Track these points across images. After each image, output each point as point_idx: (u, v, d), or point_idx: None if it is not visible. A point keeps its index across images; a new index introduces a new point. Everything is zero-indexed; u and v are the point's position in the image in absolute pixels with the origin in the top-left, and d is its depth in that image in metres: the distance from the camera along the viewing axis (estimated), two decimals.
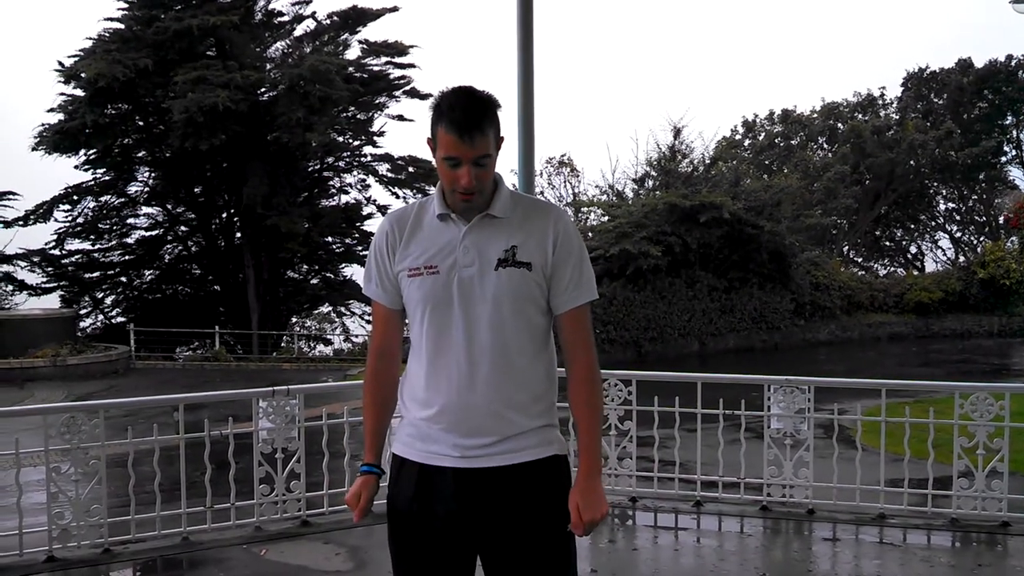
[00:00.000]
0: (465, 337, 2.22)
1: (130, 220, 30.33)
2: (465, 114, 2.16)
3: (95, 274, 29.94)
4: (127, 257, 30.34)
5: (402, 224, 2.34)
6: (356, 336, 31.05)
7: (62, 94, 26.74)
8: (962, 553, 5.05)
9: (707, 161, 25.71)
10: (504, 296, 2.22)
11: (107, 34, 26.93)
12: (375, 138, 30.20)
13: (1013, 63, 34.30)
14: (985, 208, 35.39)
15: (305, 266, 32.02)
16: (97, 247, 29.79)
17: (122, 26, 27.02)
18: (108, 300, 30.54)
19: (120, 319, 29.45)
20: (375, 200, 31.05)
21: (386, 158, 29.97)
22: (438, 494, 2.25)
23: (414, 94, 29.68)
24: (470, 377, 2.22)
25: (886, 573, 4.64)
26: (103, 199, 29.54)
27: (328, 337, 32.28)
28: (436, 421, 2.25)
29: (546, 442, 2.29)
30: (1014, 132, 35.33)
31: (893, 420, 5.45)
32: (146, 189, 29.85)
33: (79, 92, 26.37)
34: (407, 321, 2.38)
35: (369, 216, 31.14)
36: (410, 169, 29.54)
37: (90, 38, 26.99)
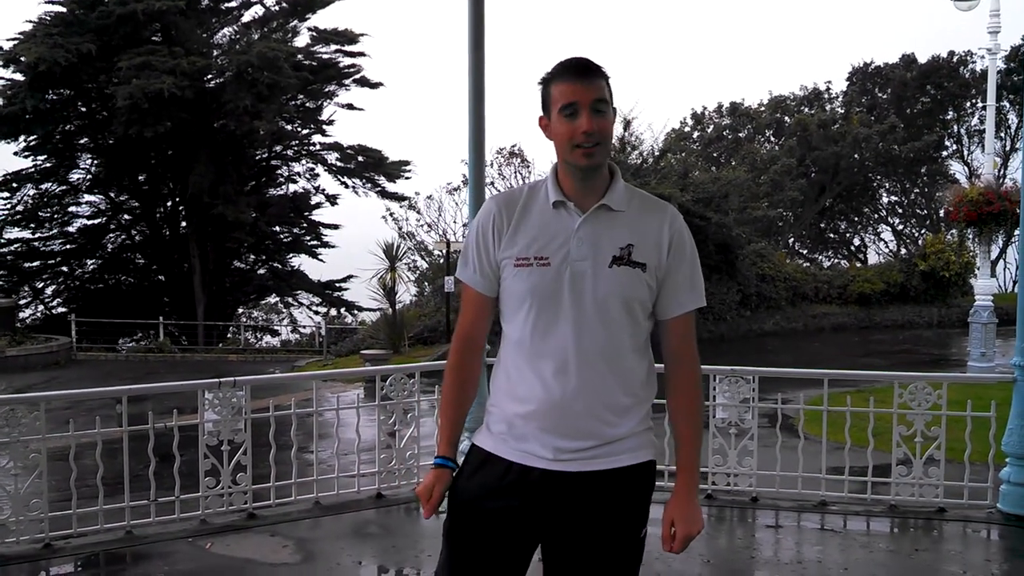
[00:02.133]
0: (574, 334, 2.13)
1: (72, 208, 29.80)
2: (579, 62, 2.15)
3: (35, 263, 29.37)
4: (69, 246, 29.80)
5: (511, 207, 2.22)
6: (304, 327, 30.81)
7: (1, 78, 26.16)
8: (900, 538, 5.17)
9: (656, 153, 25.89)
10: (616, 295, 2.13)
11: (48, 18, 26.38)
12: (324, 127, 30.01)
13: (955, 59, 34.97)
14: (926, 201, 36.07)
15: (252, 256, 31.68)
16: (37, 236, 29.25)
17: (64, 9, 26.48)
18: (49, 290, 29.99)
19: (61, 309, 28.96)
20: (324, 189, 30.90)
21: (335, 147, 29.75)
22: (522, 493, 2.15)
23: (364, 83, 29.51)
24: (576, 376, 2.13)
25: (827, 559, 4.73)
26: (44, 186, 28.98)
27: (275, 328, 31.98)
28: (532, 419, 2.15)
29: (643, 446, 2.22)
30: (955, 127, 36.03)
31: (835, 409, 5.56)
32: (88, 177, 29.33)
33: (19, 77, 25.84)
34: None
35: (318, 205, 30.96)
36: (359, 158, 29.34)
37: (30, 21, 26.49)
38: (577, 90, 2.11)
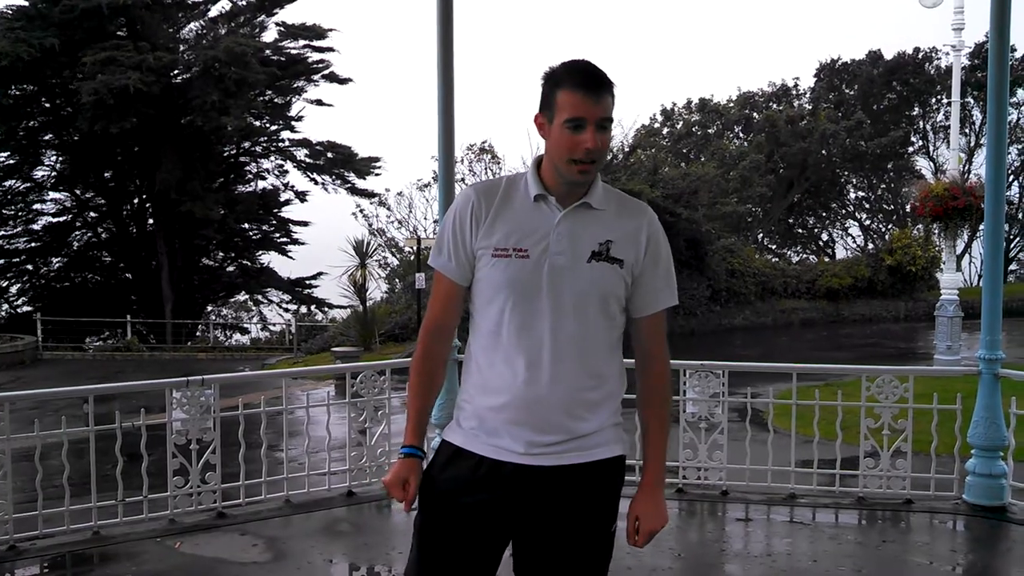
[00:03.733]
0: (551, 328, 2.11)
1: (36, 206, 29.45)
2: (592, 75, 2.09)
3: None
4: (33, 244, 29.44)
5: (490, 197, 2.19)
6: (274, 325, 30.62)
7: None
8: (868, 530, 5.22)
9: (626, 149, 25.97)
10: (593, 290, 2.13)
11: (10, 12, 25.99)
12: (293, 123, 29.78)
13: (920, 56, 35.39)
14: (893, 197, 36.50)
15: (221, 253, 31.45)
16: (1, 234, 28.81)
17: (26, 3, 26.09)
18: (14, 289, 29.62)
19: (26, 308, 28.59)
20: (293, 186, 30.70)
21: (304, 143, 29.57)
22: (494, 487, 2.15)
23: (333, 78, 29.34)
24: (550, 370, 2.12)
25: (796, 551, 4.77)
26: (7, 184, 28.58)
27: (245, 326, 31.77)
28: (504, 412, 2.14)
29: (613, 441, 2.21)
30: (921, 123, 36.49)
31: (803, 403, 5.60)
32: (53, 174, 29.00)
33: None
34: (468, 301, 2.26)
35: (287, 202, 30.78)
36: (329, 155, 29.18)
37: None
38: (587, 105, 2.07)
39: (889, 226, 35.48)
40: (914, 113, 36.30)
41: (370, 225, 28.50)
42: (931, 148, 36.39)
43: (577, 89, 2.07)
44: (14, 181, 28.62)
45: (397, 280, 24.63)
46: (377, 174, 29.41)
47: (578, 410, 2.15)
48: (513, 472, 2.14)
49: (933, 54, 34.84)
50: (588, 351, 2.16)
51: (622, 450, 2.24)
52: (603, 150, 2.11)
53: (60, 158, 28.75)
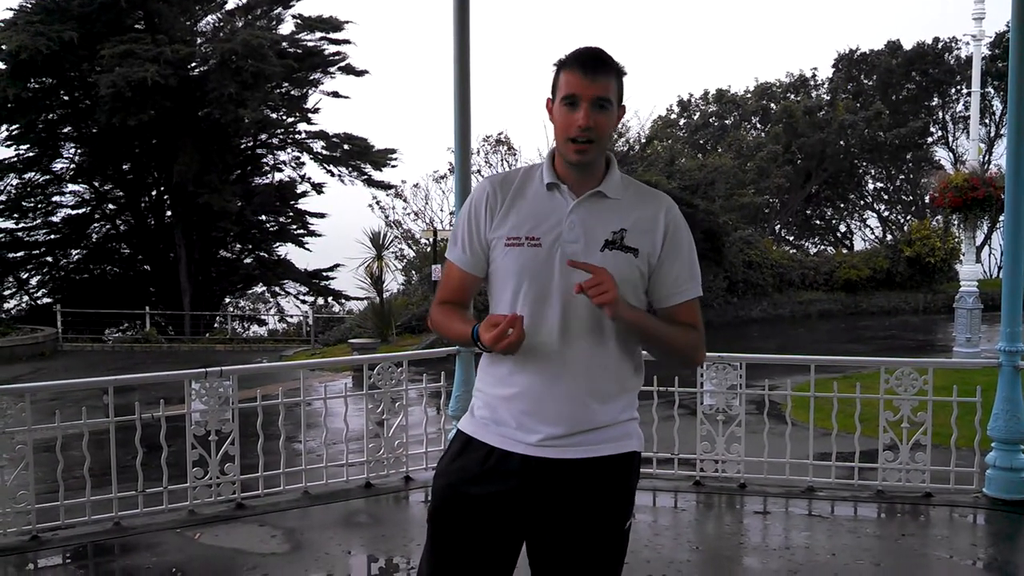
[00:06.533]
0: (561, 317, 2.10)
1: (56, 198, 29.65)
2: (590, 55, 2.11)
3: (19, 254, 29.19)
4: (53, 236, 29.64)
5: (505, 187, 2.20)
6: (291, 316, 30.73)
7: None
8: (887, 523, 5.20)
9: (643, 140, 25.89)
10: None
11: (29, 5, 26.11)
12: (309, 115, 29.86)
13: (940, 46, 35.11)
14: (912, 187, 36.27)
15: (238, 245, 31.58)
16: (21, 226, 29.05)
17: None
18: (33, 281, 29.84)
19: (46, 300, 28.80)
20: (310, 178, 30.79)
21: (321, 135, 29.63)
22: (502, 479, 2.13)
23: (349, 70, 29.40)
24: (561, 360, 2.10)
25: (814, 544, 4.75)
26: (27, 176, 28.78)
27: (262, 318, 31.89)
28: (515, 402, 2.14)
29: (626, 436, 2.19)
30: (940, 113, 36.24)
31: (821, 395, 5.57)
32: (72, 166, 29.17)
33: (0, 65, 25.54)
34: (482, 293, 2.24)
35: (304, 194, 30.87)
36: (345, 147, 29.23)
37: (11, 9, 26.24)
38: (581, 83, 2.07)
39: (908, 217, 35.28)
40: (933, 103, 36.05)
41: (386, 217, 28.55)
42: (950, 138, 36.16)
43: (575, 68, 2.09)
44: (33, 173, 28.81)
45: (414, 272, 24.65)
46: (393, 166, 29.50)
47: (590, 401, 2.12)
48: (521, 464, 2.12)
49: (953, 44, 34.61)
50: (601, 341, 2.13)
51: (636, 446, 2.21)
52: (599, 129, 2.09)
53: (79, 150, 28.92)
